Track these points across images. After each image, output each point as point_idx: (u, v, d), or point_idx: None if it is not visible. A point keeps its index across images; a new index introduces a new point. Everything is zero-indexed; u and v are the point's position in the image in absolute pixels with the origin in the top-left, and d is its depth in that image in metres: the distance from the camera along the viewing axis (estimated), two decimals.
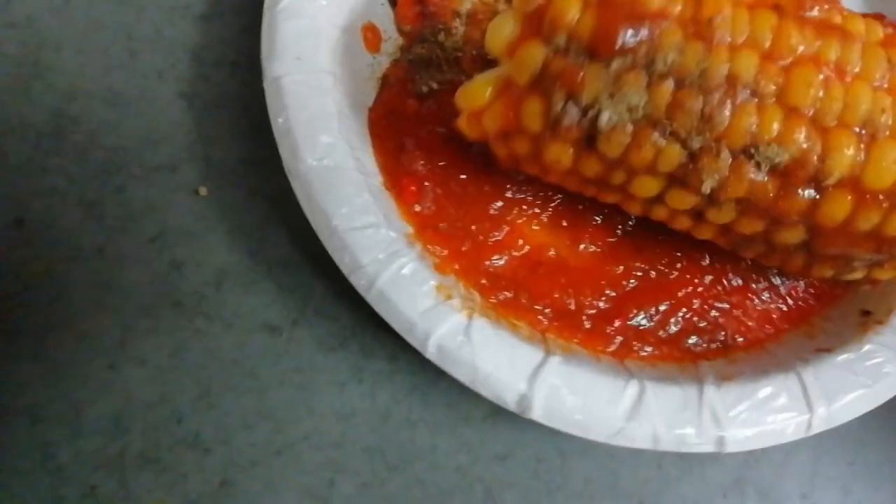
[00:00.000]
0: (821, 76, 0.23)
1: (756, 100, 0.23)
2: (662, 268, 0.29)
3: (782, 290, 0.30)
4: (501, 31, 0.24)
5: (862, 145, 0.23)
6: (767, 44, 0.23)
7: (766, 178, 0.23)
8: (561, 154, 0.25)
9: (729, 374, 0.27)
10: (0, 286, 0.28)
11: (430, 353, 0.26)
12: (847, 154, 0.23)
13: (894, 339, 0.27)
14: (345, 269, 0.27)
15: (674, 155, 0.23)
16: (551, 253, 0.29)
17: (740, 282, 0.30)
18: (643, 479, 0.30)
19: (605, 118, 0.23)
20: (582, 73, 0.23)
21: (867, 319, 0.28)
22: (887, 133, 0.23)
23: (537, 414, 0.25)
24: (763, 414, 0.26)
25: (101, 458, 0.28)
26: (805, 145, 0.23)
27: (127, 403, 0.28)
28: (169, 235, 0.30)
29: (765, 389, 0.26)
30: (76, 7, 0.32)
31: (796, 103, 0.23)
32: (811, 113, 0.23)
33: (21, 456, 0.27)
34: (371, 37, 0.31)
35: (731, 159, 0.23)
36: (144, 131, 0.31)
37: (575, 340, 0.28)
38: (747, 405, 0.26)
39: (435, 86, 0.31)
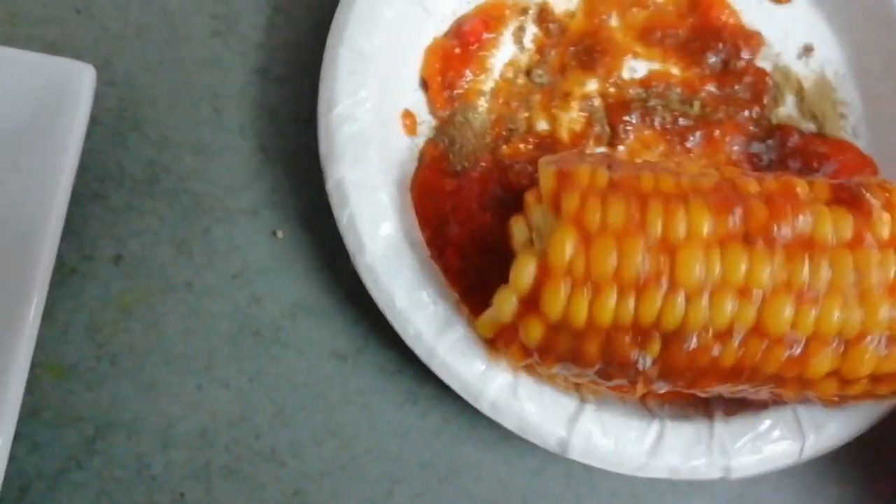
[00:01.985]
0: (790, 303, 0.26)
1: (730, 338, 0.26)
2: None
3: None
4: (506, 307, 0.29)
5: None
6: (740, 282, 0.26)
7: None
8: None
9: (734, 408, 0.32)
10: (103, 315, 0.32)
11: (485, 408, 0.31)
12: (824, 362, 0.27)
13: None
14: (409, 342, 0.31)
15: None
16: None
17: None
18: (660, 491, 0.34)
19: None
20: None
21: None
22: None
23: (576, 454, 0.30)
24: (764, 443, 0.31)
25: (190, 469, 0.31)
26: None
27: (212, 420, 0.32)
28: (249, 272, 0.34)
29: (765, 423, 0.31)
30: (169, 67, 0.36)
31: (774, 331, 0.26)
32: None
33: (119, 465, 0.31)
34: (409, 122, 0.35)
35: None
36: (228, 179, 0.35)
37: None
38: (750, 437, 0.31)
39: (467, 164, 0.35)
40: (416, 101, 0.36)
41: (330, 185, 0.32)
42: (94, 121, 0.34)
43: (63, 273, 0.32)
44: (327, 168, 0.32)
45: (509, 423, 0.31)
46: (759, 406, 0.31)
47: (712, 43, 0.38)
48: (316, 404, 0.33)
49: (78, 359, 0.32)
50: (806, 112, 0.38)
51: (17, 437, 0.29)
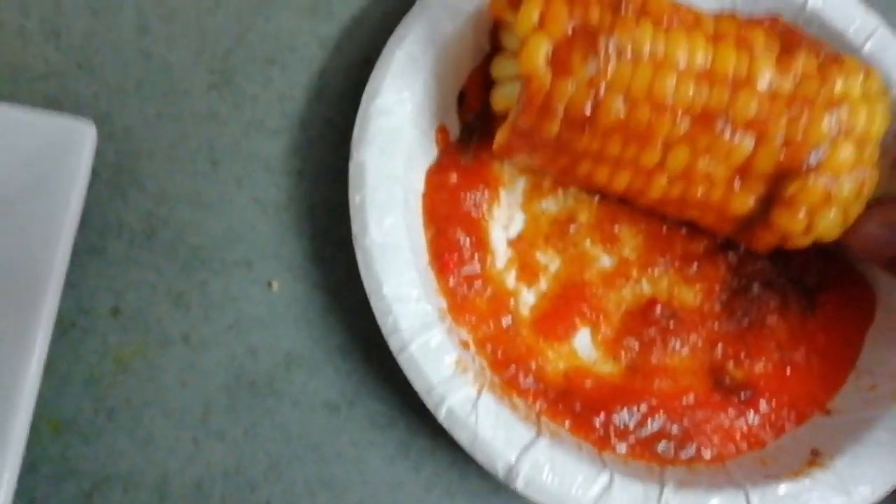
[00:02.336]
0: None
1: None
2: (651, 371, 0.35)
3: (749, 417, 0.34)
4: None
5: None
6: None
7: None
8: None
9: (688, 482, 0.32)
10: (101, 368, 0.33)
11: (441, 415, 0.31)
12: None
13: (831, 480, 0.31)
14: (385, 331, 0.32)
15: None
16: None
17: (717, 397, 0.34)
18: None
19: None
20: None
21: (814, 458, 0.32)
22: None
23: (520, 485, 0.30)
24: None
25: None
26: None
27: (208, 472, 0.33)
28: (245, 323, 0.34)
29: (715, 500, 0.31)
30: (167, 121, 0.36)
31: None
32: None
33: None
34: (442, 137, 0.37)
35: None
36: (224, 231, 0.35)
37: (564, 424, 0.33)
38: None
39: (476, 138, 0.36)
40: (454, 120, 0.37)
41: (352, 166, 0.34)
42: (93, 174, 0.35)
43: (62, 327, 0.33)
44: (354, 150, 0.34)
45: (462, 437, 0.31)
46: (712, 485, 0.32)
47: None
48: (309, 456, 0.33)
49: (76, 413, 0.32)
50: None
51: (15, 492, 0.29)
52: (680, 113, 0.30)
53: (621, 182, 0.33)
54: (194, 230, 0.35)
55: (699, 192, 0.32)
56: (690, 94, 0.30)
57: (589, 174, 0.33)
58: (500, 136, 0.32)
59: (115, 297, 0.34)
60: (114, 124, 0.36)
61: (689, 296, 0.37)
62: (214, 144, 0.37)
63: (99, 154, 0.35)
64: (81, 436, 0.32)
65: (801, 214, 0.31)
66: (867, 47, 0.37)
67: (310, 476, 0.33)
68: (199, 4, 0.38)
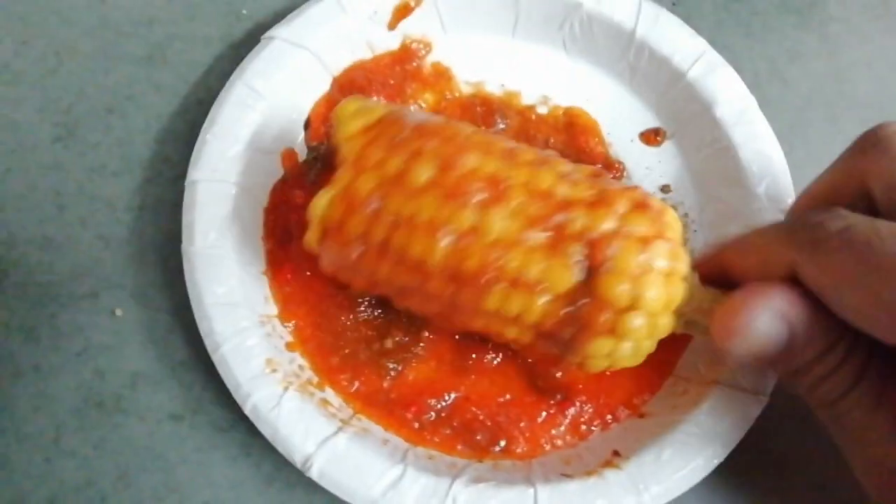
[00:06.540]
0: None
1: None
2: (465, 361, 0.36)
3: (562, 418, 0.36)
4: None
5: None
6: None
7: None
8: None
9: (485, 478, 0.33)
10: None
11: (248, 410, 0.34)
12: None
13: (622, 480, 0.33)
14: (202, 333, 0.35)
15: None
16: None
17: (532, 398, 0.36)
18: None
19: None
20: None
21: (612, 459, 0.34)
22: None
23: (315, 475, 0.33)
24: None
25: None
26: None
27: (60, 489, 0.35)
28: (92, 349, 0.38)
29: (504, 495, 0.32)
30: (14, 175, 0.40)
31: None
32: None
33: None
34: (287, 158, 0.40)
35: None
36: (71, 268, 0.39)
37: (374, 418, 0.35)
38: None
39: (319, 163, 0.38)
40: (301, 142, 0.40)
41: (187, 185, 0.37)
42: None
43: None
44: (190, 171, 0.37)
45: (264, 430, 0.34)
46: (507, 481, 0.33)
47: (575, 158, 0.40)
48: (156, 464, 0.36)
49: None
50: None
51: None
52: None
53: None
54: (43, 270, 0.39)
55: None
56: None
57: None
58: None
59: None
60: None
61: None
62: (60, 191, 0.40)
63: None
64: None
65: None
66: (693, 71, 0.40)
67: (157, 483, 0.36)
68: (42, 66, 0.42)
